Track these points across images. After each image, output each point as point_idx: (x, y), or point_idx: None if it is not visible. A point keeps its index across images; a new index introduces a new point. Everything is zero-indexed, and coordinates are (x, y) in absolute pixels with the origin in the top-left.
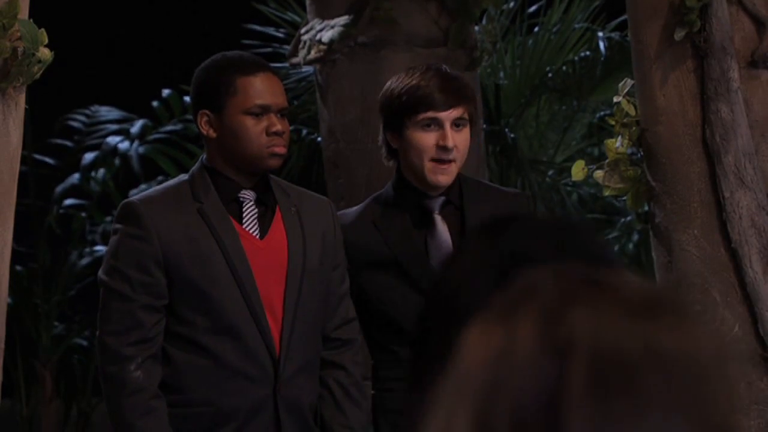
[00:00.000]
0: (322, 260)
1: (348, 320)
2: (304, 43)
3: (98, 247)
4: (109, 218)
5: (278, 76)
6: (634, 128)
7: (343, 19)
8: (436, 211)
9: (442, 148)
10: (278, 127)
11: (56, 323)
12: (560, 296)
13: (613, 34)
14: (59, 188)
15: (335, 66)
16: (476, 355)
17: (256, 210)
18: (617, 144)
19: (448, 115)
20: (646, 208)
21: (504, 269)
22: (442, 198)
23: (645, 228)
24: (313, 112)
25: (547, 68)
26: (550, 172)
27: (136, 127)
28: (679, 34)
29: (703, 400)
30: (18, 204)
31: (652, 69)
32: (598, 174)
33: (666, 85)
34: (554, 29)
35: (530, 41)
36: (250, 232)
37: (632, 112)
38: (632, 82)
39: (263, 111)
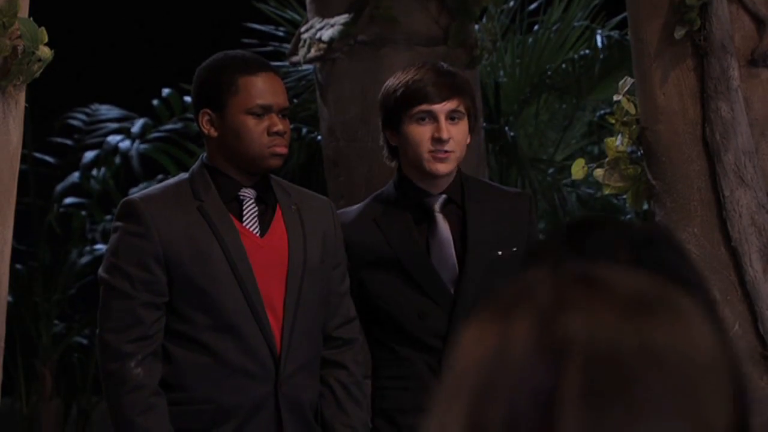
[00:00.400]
0: (322, 259)
1: (349, 319)
2: (304, 41)
3: (98, 246)
4: (109, 217)
5: (279, 76)
6: (634, 127)
7: (343, 18)
8: (438, 210)
9: (438, 140)
10: (279, 127)
11: (56, 322)
12: (555, 296)
13: (612, 33)
14: (59, 187)
15: (335, 64)
16: (471, 354)
17: (256, 208)
18: (617, 142)
19: (442, 108)
20: (646, 206)
21: None
22: (444, 196)
23: None
24: (313, 110)
25: (547, 67)
26: (550, 171)
27: (136, 126)
28: (679, 33)
29: (699, 399)
30: (18, 202)
31: (652, 67)
32: (598, 172)
33: (666, 84)
34: (554, 28)
35: (530, 40)
36: (251, 230)
37: (632, 110)
38: (632, 80)
39: (265, 111)
